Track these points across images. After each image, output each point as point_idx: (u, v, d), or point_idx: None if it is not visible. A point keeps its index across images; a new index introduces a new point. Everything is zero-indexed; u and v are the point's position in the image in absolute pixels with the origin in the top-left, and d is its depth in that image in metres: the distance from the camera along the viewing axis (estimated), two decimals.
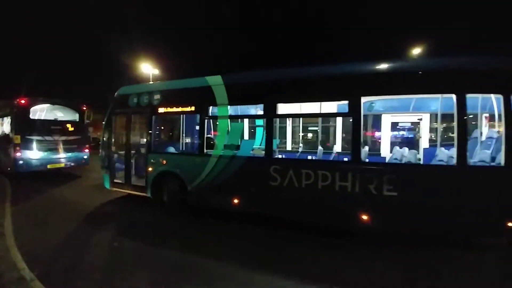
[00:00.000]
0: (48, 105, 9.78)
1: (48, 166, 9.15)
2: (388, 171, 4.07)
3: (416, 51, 14.47)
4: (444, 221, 3.84)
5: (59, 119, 9.97)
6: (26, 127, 8.68)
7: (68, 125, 9.87)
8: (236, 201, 4.96)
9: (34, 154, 8.77)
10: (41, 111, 9.78)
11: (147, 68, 20.99)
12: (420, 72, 4.06)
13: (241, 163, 4.99)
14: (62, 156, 9.54)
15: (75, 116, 10.24)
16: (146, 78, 21.36)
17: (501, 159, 3.67)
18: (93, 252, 3.89)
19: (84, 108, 10.52)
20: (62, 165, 9.55)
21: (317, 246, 4.19)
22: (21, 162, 8.47)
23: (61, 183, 8.58)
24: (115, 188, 6.53)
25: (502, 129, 3.69)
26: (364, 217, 4.08)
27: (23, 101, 8.68)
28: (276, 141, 6.73)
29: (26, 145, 8.57)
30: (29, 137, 8.66)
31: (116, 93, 6.67)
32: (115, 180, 6.49)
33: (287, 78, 4.87)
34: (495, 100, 4.01)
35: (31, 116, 8.98)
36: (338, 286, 3.01)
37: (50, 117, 9.90)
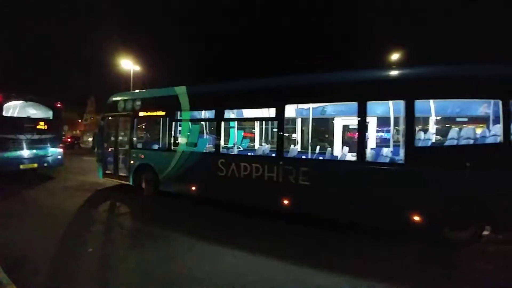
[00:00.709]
0: (21, 101, 9.40)
1: (21, 167, 8.78)
2: (302, 165, 5.02)
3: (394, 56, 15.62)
4: (349, 209, 4.63)
5: (32, 116, 9.59)
6: None
7: (42, 123, 9.53)
8: (193, 188, 6.20)
9: (6, 153, 8.40)
10: (14, 108, 9.39)
11: (128, 65, 20.49)
12: (327, 84, 5.05)
13: (196, 157, 6.22)
14: (36, 156, 9.19)
15: (49, 114, 9.91)
16: (127, 75, 20.90)
17: (402, 156, 4.40)
18: (68, 255, 3.94)
19: (58, 105, 10.22)
20: (36, 165, 9.18)
21: (262, 227, 5.12)
22: None
23: (34, 185, 8.30)
24: (106, 178, 7.92)
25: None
26: (285, 201, 5.06)
27: None
28: (247, 141, 7.92)
29: None
30: (1, 135, 8.30)
31: (108, 100, 8.01)
32: (107, 171, 7.87)
33: (231, 89, 6.19)
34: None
35: (4, 113, 8.57)
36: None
37: (23, 114, 9.50)
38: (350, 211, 4.65)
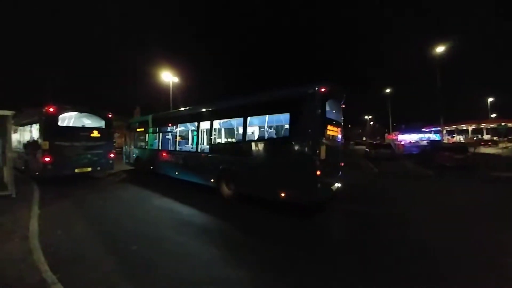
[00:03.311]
0: (75, 113, 9.93)
1: (76, 171, 9.20)
2: (179, 154, 9.04)
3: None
4: (191, 175, 8.31)
5: (86, 126, 10.11)
6: (54, 134, 8.72)
7: (95, 132, 9.93)
8: (151, 167, 10.50)
9: (62, 159, 8.81)
10: (69, 119, 9.97)
11: (168, 77, 21.39)
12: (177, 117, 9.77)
13: (152, 151, 10.62)
14: (89, 161, 9.60)
15: (101, 123, 10.35)
16: (167, 86, 21.72)
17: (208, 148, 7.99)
18: (115, 254, 3.76)
19: (110, 116, 10.58)
20: (89, 169, 9.59)
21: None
22: (49, 166, 8.50)
23: (86, 187, 8.61)
24: (127, 165, 12.82)
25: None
26: (176, 173, 8.91)
27: (51, 109, 8.74)
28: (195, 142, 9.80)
29: (54, 150, 8.61)
30: (57, 143, 8.71)
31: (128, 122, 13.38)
32: (126, 161, 13.01)
33: (163, 117, 11.01)
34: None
35: (60, 123, 9.10)
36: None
37: (78, 124, 10.11)
38: (191, 176, 8.32)
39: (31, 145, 9.43)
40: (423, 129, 45.25)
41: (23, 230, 4.39)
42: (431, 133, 42.71)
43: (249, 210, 6.07)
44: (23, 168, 10.00)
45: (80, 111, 9.96)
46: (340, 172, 6.78)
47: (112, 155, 10.49)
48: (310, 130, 5.27)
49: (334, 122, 6.17)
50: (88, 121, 10.42)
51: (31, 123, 9.89)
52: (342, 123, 6.96)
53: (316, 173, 5.13)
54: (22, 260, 3.37)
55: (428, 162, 14.90)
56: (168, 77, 21.59)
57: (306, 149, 5.28)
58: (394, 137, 36.80)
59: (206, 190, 7.50)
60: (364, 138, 70.45)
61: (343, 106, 7.01)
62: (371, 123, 77.91)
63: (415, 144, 30.27)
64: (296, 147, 5.43)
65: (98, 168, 9.89)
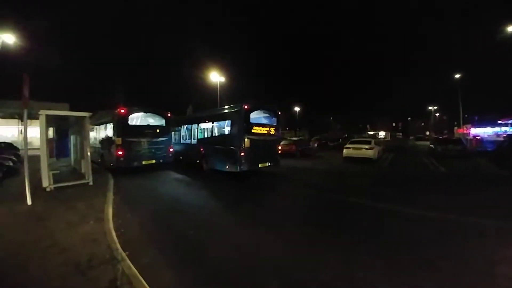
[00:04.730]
0: (142, 113, 11.00)
1: (143, 162, 10.22)
2: (184, 145, 12.40)
3: None
4: (188, 158, 12.12)
5: (151, 124, 11.14)
6: (125, 131, 9.82)
7: (158, 129, 10.93)
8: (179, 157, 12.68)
9: (132, 152, 9.89)
10: (136, 118, 11.04)
11: (215, 77, 22.21)
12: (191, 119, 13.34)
13: (179, 145, 12.69)
14: (153, 154, 10.59)
15: (163, 122, 11.31)
16: (215, 85, 22.61)
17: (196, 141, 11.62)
18: (176, 236, 4.04)
19: (169, 115, 11.49)
20: (154, 161, 10.56)
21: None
22: (122, 159, 9.60)
23: (152, 176, 9.53)
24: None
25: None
26: (181, 158, 12.52)
27: (123, 111, 9.87)
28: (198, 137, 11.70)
29: (125, 145, 9.69)
30: (128, 139, 9.78)
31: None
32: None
33: (182, 119, 13.90)
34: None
35: (129, 122, 10.19)
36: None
37: (144, 123, 11.17)
38: (188, 159, 11.85)
39: (106, 141, 10.81)
40: (500, 122, 37.79)
41: (98, 213, 4.83)
42: (508, 126, 35.50)
43: (216, 176, 9.30)
44: (99, 160, 11.45)
45: (146, 111, 11.02)
46: (274, 156, 9.86)
47: (171, 149, 11.40)
48: (238, 130, 8.59)
49: (262, 124, 9.49)
50: (151, 120, 11.45)
51: (105, 123, 11.27)
52: (276, 124, 10.14)
53: (240, 155, 8.35)
54: (96, 240, 3.69)
55: (505, 161, 12.00)
56: (215, 77, 22.42)
57: (236, 141, 8.54)
58: (466, 131, 31.06)
59: (195, 166, 10.91)
60: (427, 132, 60.34)
61: (279, 112, 10.39)
62: (437, 114, 66.75)
63: (493, 139, 25.18)
64: (232, 140, 8.74)
65: (161, 161, 10.82)
